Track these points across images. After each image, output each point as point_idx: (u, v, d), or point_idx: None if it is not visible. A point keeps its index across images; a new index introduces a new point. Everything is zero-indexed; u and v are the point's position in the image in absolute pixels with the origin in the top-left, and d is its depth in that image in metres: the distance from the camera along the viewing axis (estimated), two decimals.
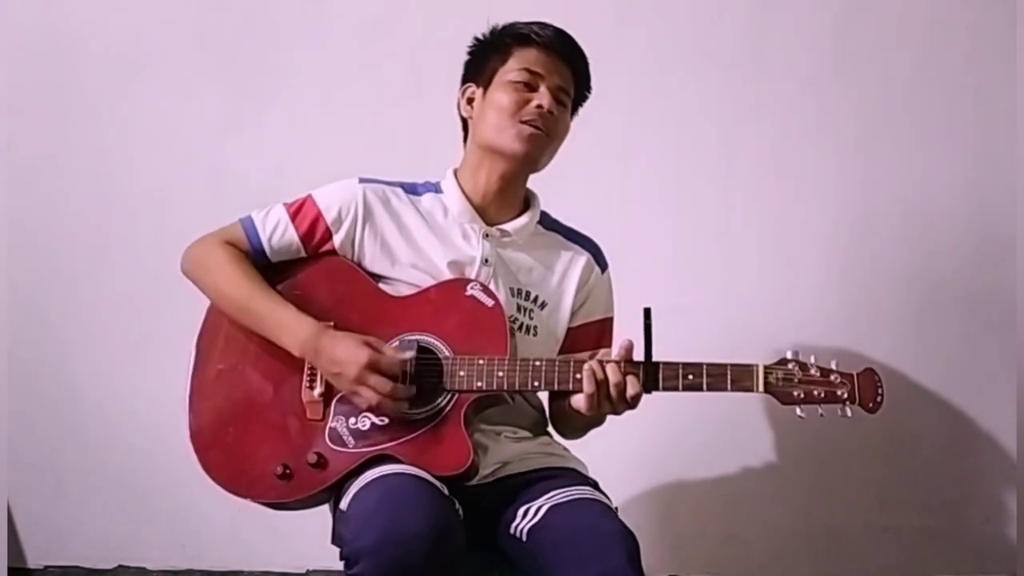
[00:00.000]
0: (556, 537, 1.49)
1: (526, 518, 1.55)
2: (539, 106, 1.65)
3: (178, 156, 2.44)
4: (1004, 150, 2.37)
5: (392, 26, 2.43)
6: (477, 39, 1.75)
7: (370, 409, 1.56)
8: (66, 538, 2.47)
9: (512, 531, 1.56)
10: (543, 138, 1.66)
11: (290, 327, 1.59)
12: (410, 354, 1.56)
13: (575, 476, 1.65)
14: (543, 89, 1.66)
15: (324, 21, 2.43)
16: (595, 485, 1.66)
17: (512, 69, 1.68)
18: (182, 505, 2.37)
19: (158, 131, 2.45)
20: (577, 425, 1.74)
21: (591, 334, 1.76)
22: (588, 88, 1.78)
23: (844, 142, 2.43)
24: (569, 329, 1.74)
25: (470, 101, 1.74)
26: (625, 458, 2.28)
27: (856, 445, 2.40)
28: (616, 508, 1.60)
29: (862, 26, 2.43)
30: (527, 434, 1.71)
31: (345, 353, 1.54)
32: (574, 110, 1.77)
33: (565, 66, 1.70)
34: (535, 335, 1.69)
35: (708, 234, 2.42)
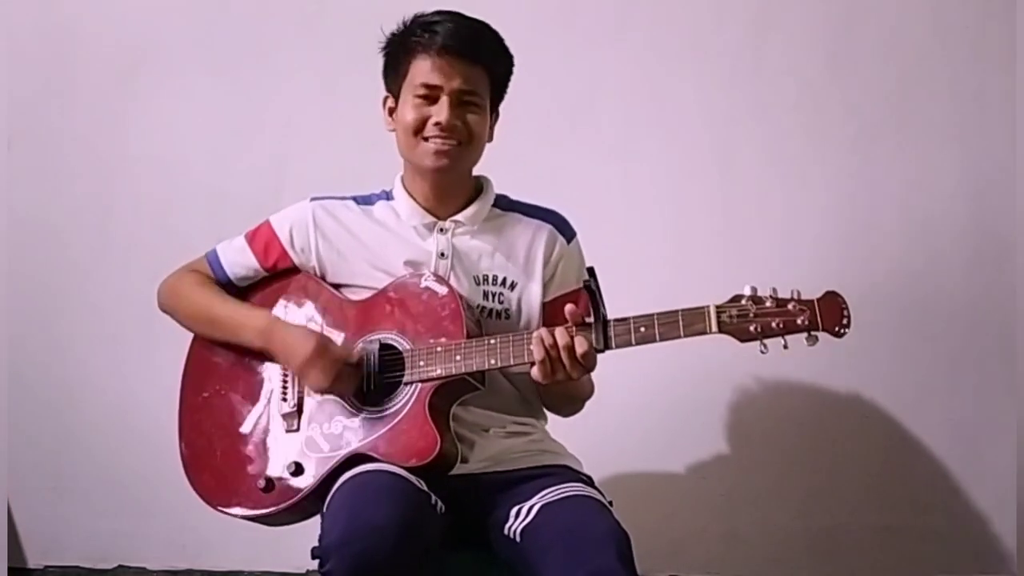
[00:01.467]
0: (548, 537, 1.49)
1: (519, 518, 1.55)
2: (437, 123, 1.63)
3: (178, 156, 2.45)
4: (1004, 150, 2.37)
5: (392, 26, 2.42)
6: (382, 45, 1.72)
7: (321, 391, 1.61)
8: (66, 538, 2.47)
9: (505, 532, 1.56)
10: (453, 150, 1.65)
11: (247, 322, 1.68)
12: (361, 345, 1.62)
13: (568, 473, 1.65)
14: (442, 101, 1.64)
15: (324, 21, 2.44)
16: (589, 481, 1.66)
17: (411, 84, 1.66)
18: (182, 505, 2.34)
19: (158, 131, 2.45)
20: (556, 400, 1.74)
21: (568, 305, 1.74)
22: (507, 67, 1.72)
23: (844, 142, 2.43)
24: (545, 304, 1.72)
25: (391, 112, 1.73)
26: (623, 458, 2.28)
27: (856, 445, 2.40)
28: (611, 503, 1.60)
29: (862, 26, 2.43)
30: (517, 428, 1.71)
31: (296, 336, 1.62)
32: (500, 93, 1.73)
33: (465, 64, 1.64)
34: (507, 318, 1.69)
35: (707, 234, 2.42)
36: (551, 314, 1.71)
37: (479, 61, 1.66)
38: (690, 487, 2.42)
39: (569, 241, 1.76)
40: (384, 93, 1.74)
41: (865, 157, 2.43)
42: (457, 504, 1.56)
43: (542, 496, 1.56)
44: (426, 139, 1.65)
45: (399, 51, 1.69)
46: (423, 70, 1.65)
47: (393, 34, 1.71)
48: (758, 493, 2.42)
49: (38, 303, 2.45)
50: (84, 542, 2.47)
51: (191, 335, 1.77)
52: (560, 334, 1.50)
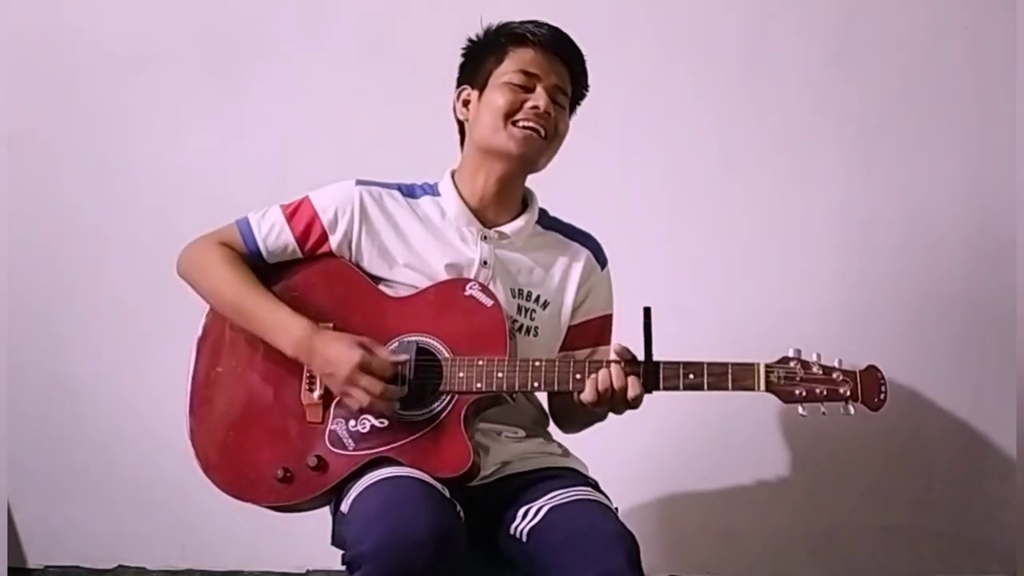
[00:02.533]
0: (556, 538, 1.49)
1: (526, 519, 1.54)
2: (535, 107, 1.64)
3: (178, 155, 2.44)
4: (1004, 150, 2.37)
5: (392, 26, 2.43)
6: (471, 40, 1.74)
7: (362, 410, 1.56)
8: (66, 538, 2.47)
9: (512, 532, 1.56)
10: (539, 139, 1.65)
11: (284, 327, 1.59)
12: (404, 356, 1.56)
13: (575, 476, 1.65)
14: (539, 90, 1.65)
15: (324, 21, 2.44)
16: (595, 485, 1.66)
17: (507, 70, 1.66)
18: (182, 505, 2.37)
19: (158, 130, 2.45)
20: (578, 421, 1.75)
21: (591, 331, 1.75)
22: (586, 86, 1.76)
23: (844, 142, 2.43)
24: (569, 327, 1.73)
25: (466, 103, 1.72)
26: (625, 458, 2.28)
27: (856, 445, 2.40)
28: (616, 508, 1.60)
29: (862, 26, 2.43)
30: (528, 433, 1.71)
31: (337, 354, 1.54)
32: (572, 109, 1.76)
33: (562, 65, 1.68)
34: (535, 335, 1.69)
35: (708, 234, 2.42)
36: (572, 336, 1.73)
37: (572, 68, 1.70)
38: (690, 487, 2.42)
39: (603, 268, 1.78)
40: (461, 86, 1.74)
41: (865, 157, 2.43)
42: (467, 505, 1.54)
43: (550, 498, 1.56)
44: (516, 123, 1.64)
45: (495, 41, 1.70)
46: (524, 58, 1.66)
47: (486, 31, 1.72)
48: (758, 493, 2.42)
49: (38, 303, 2.45)
50: (84, 542, 2.47)
51: (195, 331, 1.70)
52: (616, 376, 1.51)
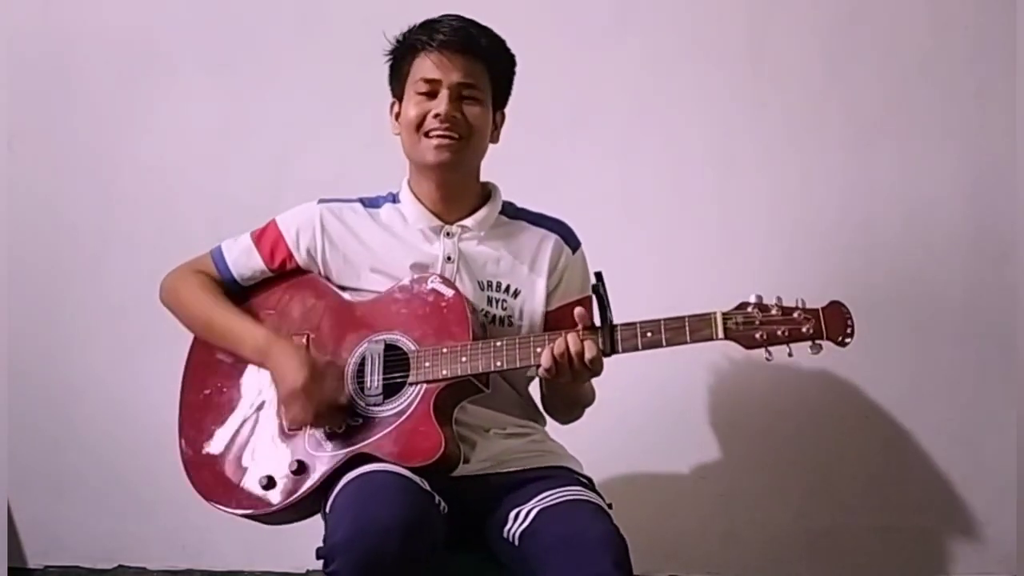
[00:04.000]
0: (545, 542, 1.50)
1: (517, 521, 1.55)
2: (436, 115, 1.64)
3: (178, 155, 2.44)
4: (1004, 150, 2.37)
5: (392, 26, 2.42)
6: (386, 52, 1.75)
7: (297, 426, 1.62)
8: (66, 538, 2.47)
9: (504, 535, 1.57)
10: (453, 143, 1.65)
11: (244, 338, 1.67)
12: (345, 396, 1.60)
13: (567, 476, 1.65)
14: (442, 94, 1.65)
15: (324, 21, 2.43)
16: (588, 483, 1.67)
17: (412, 81, 1.68)
18: (182, 505, 2.33)
19: (158, 131, 2.45)
20: (563, 404, 1.75)
21: (571, 315, 1.72)
22: (508, 66, 1.74)
23: (844, 142, 2.42)
24: (548, 313, 1.73)
25: (397, 117, 1.74)
26: (622, 458, 2.28)
27: (855, 445, 2.40)
28: (611, 505, 1.61)
29: (862, 26, 2.43)
30: (517, 429, 1.71)
31: (285, 370, 1.60)
32: (503, 93, 1.74)
33: (465, 59, 1.66)
34: (510, 325, 1.70)
35: (708, 234, 2.42)
36: (554, 323, 1.72)
37: (478, 56, 1.68)
38: (690, 487, 2.42)
39: (574, 251, 1.77)
40: (391, 100, 1.76)
41: (865, 157, 2.42)
42: (458, 504, 1.56)
43: (540, 500, 1.56)
44: (427, 134, 1.66)
45: (402, 53, 1.72)
46: (424, 67, 1.67)
47: (397, 40, 1.73)
48: (757, 493, 2.42)
49: (38, 303, 2.45)
50: (84, 542, 2.47)
51: (192, 333, 1.77)
52: (572, 341, 1.51)
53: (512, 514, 1.56)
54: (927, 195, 2.42)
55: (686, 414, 2.33)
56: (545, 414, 1.80)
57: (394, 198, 1.77)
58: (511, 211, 1.78)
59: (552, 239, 1.75)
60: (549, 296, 1.73)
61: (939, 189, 2.42)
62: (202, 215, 2.37)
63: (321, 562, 1.40)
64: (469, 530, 1.60)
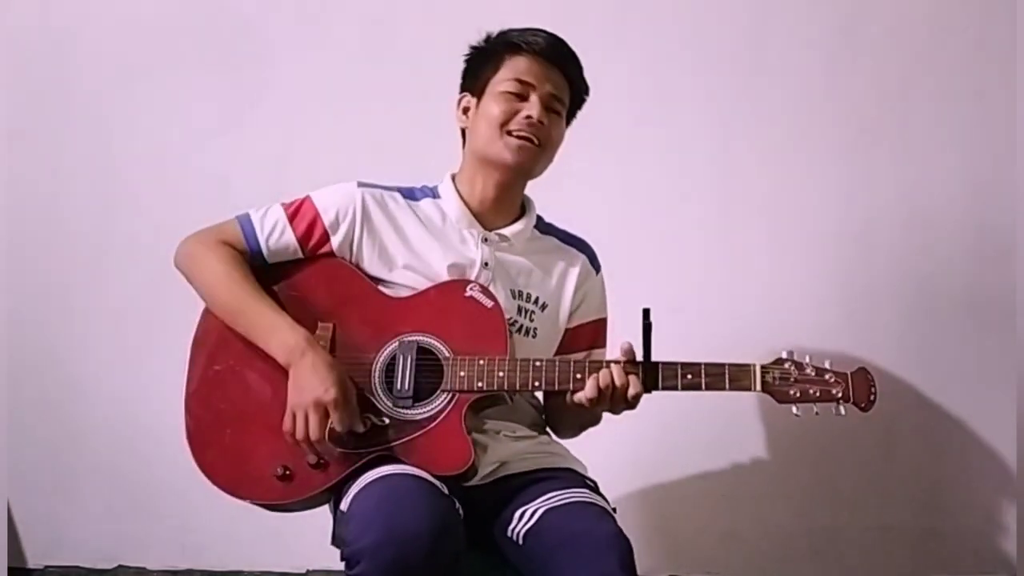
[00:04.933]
0: (550, 542, 1.50)
1: (522, 521, 1.55)
2: (528, 117, 1.65)
3: (178, 156, 2.44)
4: (1004, 150, 2.37)
5: (392, 26, 2.43)
6: (472, 47, 1.75)
7: (303, 440, 1.53)
8: (66, 538, 2.47)
9: (509, 533, 1.57)
10: (533, 149, 1.67)
11: (276, 331, 1.58)
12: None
13: (572, 477, 1.65)
14: (533, 98, 1.66)
15: (324, 21, 2.44)
16: (593, 486, 1.67)
17: (503, 79, 1.68)
18: (182, 505, 2.37)
19: (158, 131, 2.45)
20: (573, 425, 1.76)
21: (586, 335, 1.77)
22: (584, 92, 1.77)
23: (844, 142, 2.43)
24: (565, 330, 1.75)
25: (465, 111, 1.74)
26: (624, 458, 2.28)
27: (855, 445, 2.40)
28: (615, 509, 1.61)
29: (862, 26, 2.43)
30: (526, 433, 1.71)
31: (319, 380, 1.52)
32: (571, 115, 1.77)
33: (557, 73, 1.69)
34: (534, 337, 1.70)
35: (708, 234, 2.42)
36: (568, 340, 1.75)
37: (569, 75, 1.71)
38: (690, 487, 2.42)
39: (597, 273, 1.81)
40: (461, 93, 1.76)
41: (866, 157, 2.43)
42: (466, 505, 1.55)
43: (545, 500, 1.56)
44: (510, 133, 1.66)
45: (493, 49, 1.72)
46: (519, 67, 1.68)
47: (488, 36, 1.73)
48: (758, 493, 2.42)
49: (38, 303, 2.45)
50: (84, 542, 2.47)
51: (194, 323, 1.70)
52: (617, 374, 1.53)
53: (517, 513, 1.56)
54: (927, 194, 2.42)
55: (687, 414, 2.33)
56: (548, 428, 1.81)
57: (432, 192, 1.75)
58: (542, 226, 1.81)
59: (580, 259, 1.79)
60: (571, 314, 1.76)
61: (939, 188, 2.42)
62: (202, 215, 2.35)
63: (344, 563, 1.39)
64: (474, 528, 1.59)
